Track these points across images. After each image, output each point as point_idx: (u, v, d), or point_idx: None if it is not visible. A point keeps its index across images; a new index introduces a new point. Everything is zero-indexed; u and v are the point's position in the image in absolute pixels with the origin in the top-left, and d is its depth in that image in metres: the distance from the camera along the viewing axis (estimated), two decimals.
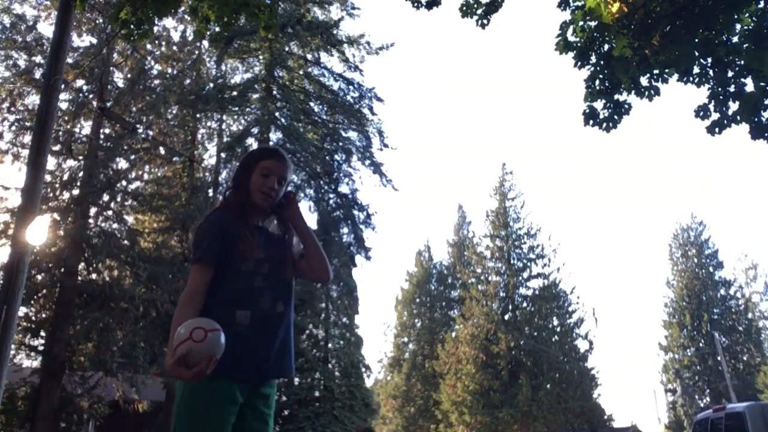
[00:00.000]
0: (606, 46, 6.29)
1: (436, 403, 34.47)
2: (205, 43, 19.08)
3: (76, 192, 13.25)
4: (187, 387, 1.90)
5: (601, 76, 6.31)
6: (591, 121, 6.48)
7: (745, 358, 35.53)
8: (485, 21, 7.02)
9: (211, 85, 19.99)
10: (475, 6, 6.99)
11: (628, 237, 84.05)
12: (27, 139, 12.93)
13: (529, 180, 78.42)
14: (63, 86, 9.89)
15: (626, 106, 6.37)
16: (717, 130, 5.75)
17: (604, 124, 6.41)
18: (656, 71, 6.04)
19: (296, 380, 21.29)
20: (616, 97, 6.33)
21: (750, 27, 5.39)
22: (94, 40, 14.47)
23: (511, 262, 33.63)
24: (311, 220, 29.49)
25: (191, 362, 1.72)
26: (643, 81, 6.24)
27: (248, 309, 2.00)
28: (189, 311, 1.88)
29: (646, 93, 6.23)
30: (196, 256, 2.01)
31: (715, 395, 33.16)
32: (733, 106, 5.66)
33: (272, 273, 2.09)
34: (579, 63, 6.48)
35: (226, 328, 1.90)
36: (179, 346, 1.72)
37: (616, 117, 6.35)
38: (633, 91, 6.24)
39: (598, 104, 6.48)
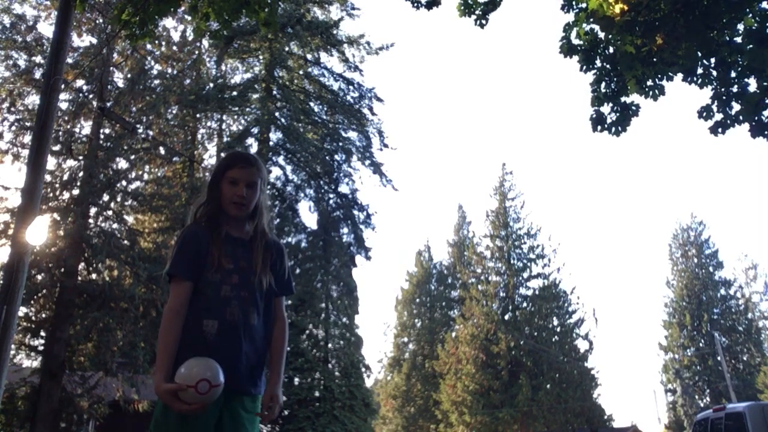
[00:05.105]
0: (611, 48, 6.23)
1: (436, 403, 34.47)
2: (205, 42, 19.10)
3: (76, 192, 13.22)
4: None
5: (606, 79, 6.23)
6: (599, 127, 6.37)
7: (745, 358, 35.53)
8: (484, 21, 6.90)
9: (211, 85, 19.98)
10: (473, 6, 6.90)
11: (628, 237, 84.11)
12: (27, 139, 12.91)
13: (529, 180, 78.50)
14: (63, 86, 9.89)
15: (634, 107, 6.25)
16: (720, 130, 5.72)
17: (613, 129, 6.30)
18: (660, 69, 5.97)
19: (296, 380, 21.28)
20: (623, 99, 6.23)
21: (753, 27, 5.37)
22: (94, 40, 14.45)
23: (511, 262, 33.63)
24: (311, 220, 29.57)
25: (186, 400, 1.80)
26: (647, 81, 6.17)
27: (215, 318, 2.00)
28: (175, 328, 1.95)
29: (651, 93, 6.16)
30: (172, 271, 2.03)
31: (715, 395, 33.16)
32: (736, 107, 5.64)
33: (243, 284, 2.08)
34: (584, 66, 6.39)
35: (194, 336, 1.96)
36: (181, 389, 1.79)
37: (624, 120, 6.25)
38: (636, 91, 6.17)
39: (605, 108, 6.36)
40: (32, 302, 12.62)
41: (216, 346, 1.96)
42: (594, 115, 6.41)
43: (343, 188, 22.90)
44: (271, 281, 2.17)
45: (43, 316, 12.91)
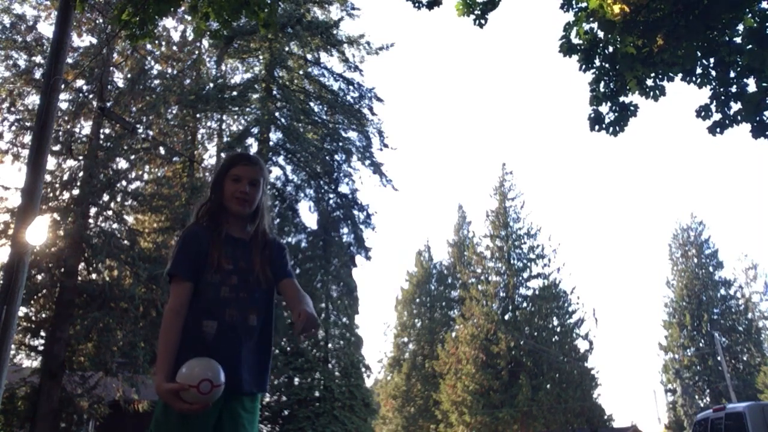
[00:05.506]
0: (610, 48, 6.22)
1: (436, 403, 34.46)
2: (205, 42, 19.10)
3: (76, 192, 13.23)
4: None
5: (605, 78, 6.22)
6: (597, 126, 6.36)
7: (745, 358, 35.53)
8: (483, 20, 6.87)
9: (211, 85, 19.97)
10: (473, 5, 6.86)
11: (628, 237, 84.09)
12: (27, 139, 12.92)
13: (529, 180, 78.47)
14: (63, 86, 9.89)
15: (632, 108, 6.25)
16: (718, 130, 5.73)
17: (611, 128, 6.29)
18: (660, 70, 5.96)
19: (296, 380, 21.28)
20: (621, 99, 6.23)
21: (752, 27, 5.37)
22: (94, 40, 14.46)
23: (511, 262, 33.62)
24: (311, 220, 29.58)
25: (188, 400, 1.79)
26: (648, 81, 6.16)
27: (215, 319, 2.00)
28: (175, 328, 1.95)
29: (651, 93, 6.15)
30: (172, 271, 2.04)
31: (715, 395, 33.15)
32: (735, 107, 5.64)
33: (242, 285, 2.09)
34: (583, 66, 6.38)
35: (194, 336, 1.96)
36: (183, 389, 1.78)
37: (622, 120, 6.24)
38: (638, 91, 6.16)
39: (604, 108, 6.34)
40: (32, 302, 12.63)
41: (215, 347, 1.97)
42: (592, 115, 6.39)
43: (343, 188, 22.91)
44: (271, 277, 2.17)
45: (43, 316, 12.91)
